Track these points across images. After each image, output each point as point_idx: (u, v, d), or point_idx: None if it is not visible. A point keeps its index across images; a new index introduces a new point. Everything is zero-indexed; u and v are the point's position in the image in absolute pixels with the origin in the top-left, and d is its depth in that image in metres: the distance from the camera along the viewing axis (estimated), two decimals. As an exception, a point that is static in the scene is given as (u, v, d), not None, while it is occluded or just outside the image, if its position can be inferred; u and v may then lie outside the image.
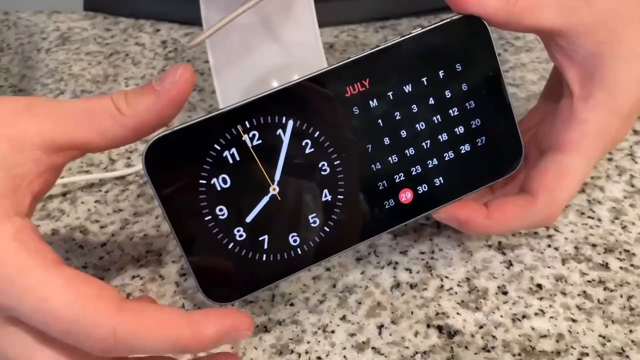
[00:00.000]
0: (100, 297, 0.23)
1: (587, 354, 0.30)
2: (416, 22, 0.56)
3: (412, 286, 0.34)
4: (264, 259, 0.28)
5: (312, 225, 0.29)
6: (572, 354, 0.30)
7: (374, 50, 0.28)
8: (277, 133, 0.28)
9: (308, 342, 0.31)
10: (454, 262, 0.35)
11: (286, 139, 0.28)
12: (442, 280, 0.34)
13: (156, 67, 0.54)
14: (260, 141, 0.27)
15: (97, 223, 0.39)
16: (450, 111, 0.30)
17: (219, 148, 0.27)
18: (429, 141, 0.30)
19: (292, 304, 0.33)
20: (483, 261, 0.35)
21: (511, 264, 0.34)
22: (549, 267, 0.34)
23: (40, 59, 0.57)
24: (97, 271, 0.36)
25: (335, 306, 0.33)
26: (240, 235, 0.28)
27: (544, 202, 0.30)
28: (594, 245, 0.35)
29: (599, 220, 0.37)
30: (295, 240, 0.29)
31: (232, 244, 0.28)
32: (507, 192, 0.33)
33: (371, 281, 0.34)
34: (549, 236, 0.36)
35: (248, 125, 0.27)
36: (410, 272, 0.34)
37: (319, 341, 0.31)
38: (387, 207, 0.30)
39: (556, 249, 0.35)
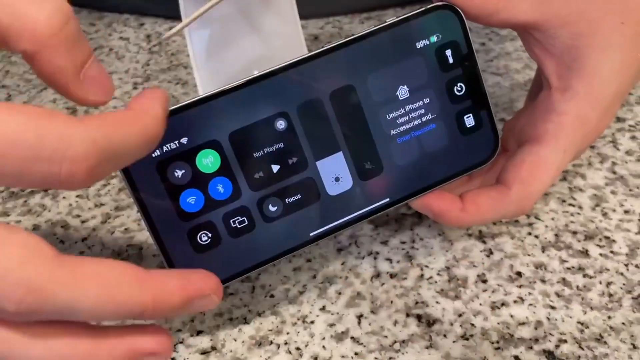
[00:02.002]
0: None
1: (565, 341, 0.30)
2: (402, 13, 0.56)
3: (392, 276, 0.34)
4: (241, 247, 0.28)
5: (283, 214, 0.29)
6: (550, 341, 0.30)
7: (346, 39, 0.28)
8: (252, 121, 0.27)
9: (287, 333, 0.31)
10: (434, 252, 0.35)
11: (261, 127, 0.28)
12: (422, 269, 0.34)
13: (140, 61, 0.54)
14: (234, 130, 0.27)
15: (79, 218, 0.39)
16: (424, 100, 0.30)
17: (191, 138, 0.27)
18: (402, 129, 0.30)
19: (272, 296, 0.33)
20: (463, 250, 0.35)
21: (491, 253, 0.34)
22: (529, 255, 0.34)
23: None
24: (78, 266, 0.36)
25: (315, 297, 0.33)
26: (215, 225, 0.28)
27: (518, 193, 0.30)
28: (574, 233, 0.35)
29: (580, 207, 0.37)
30: (269, 230, 0.29)
31: (207, 233, 0.28)
32: (484, 183, 0.33)
33: (351, 272, 0.34)
34: (530, 224, 0.36)
35: (222, 114, 0.27)
36: (391, 262, 0.34)
37: (299, 332, 0.31)
38: (359, 195, 0.30)
39: (536, 236, 0.35)
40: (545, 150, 0.30)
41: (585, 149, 0.33)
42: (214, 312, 0.32)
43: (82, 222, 0.39)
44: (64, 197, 0.41)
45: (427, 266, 0.34)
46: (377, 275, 0.34)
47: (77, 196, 0.41)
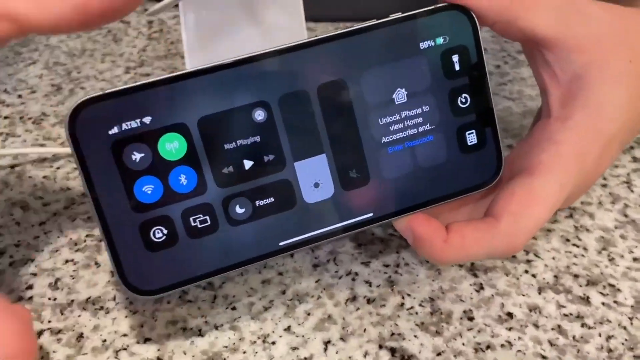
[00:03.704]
0: None
1: (554, 396, 0.26)
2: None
3: (369, 301, 0.30)
4: (199, 249, 0.25)
5: (251, 218, 0.26)
6: (537, 395, 0.26)
7: (343, 31, 0.25)
8: (227, 108, 0.24)
9: (244, 352, 0.28)
10: (419, 279, 0.31)
11: (237, 116, 0.25)
12: (403, 297, 0.31)
13: (137, 46, 0.51)
14: (205, 115, 0.24)
15: (41, 200, 0.36)
16: (423, 108, 0.26)
17: (156, 118, 0.24)
18: (395, 137, 0.27)
19: (233, 308, 0.30)
20: (451, 281, 0.31)
21: (482, 288, 0.31)
22: (523, 295, 0.31)
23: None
24: (29, 251, 0.33)
25: (282, 315, 0.30)
26: (172, 221, 0.25)
27: (507, 227, 0.27)
28: (575, 276, 0.32)
29: (585, 249, 0.33)
30: (233, 233, 0.25)
31: (163, 230, 0.25)
32: (472, 215, 0.30)
33: (325, 291, 0.31)
34: (528, 261, 0.32)
35: (194, 97, 0.24)
36: (370, 286, 0.31)
37: (257, 352, 0.28)
38: (340, 205, 0.26)
39: (533, 275, 0.32)
40: (538, 181, 0.27)
41: (583, 191, 0.30)
42: (166, 320, 0.29)
43: (44, 204, 0.36)
44: (29, 177, 0.38)
45: (409, 295, 0.31)
46: (353, 298, 0.30)
47: (44, 177, 0.38)
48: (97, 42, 0.52)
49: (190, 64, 0.39)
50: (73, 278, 0.31)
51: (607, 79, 0.27)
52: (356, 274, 0.32)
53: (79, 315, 0.29)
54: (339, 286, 0.31)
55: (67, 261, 0.32)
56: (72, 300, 0.30)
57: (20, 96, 0.45)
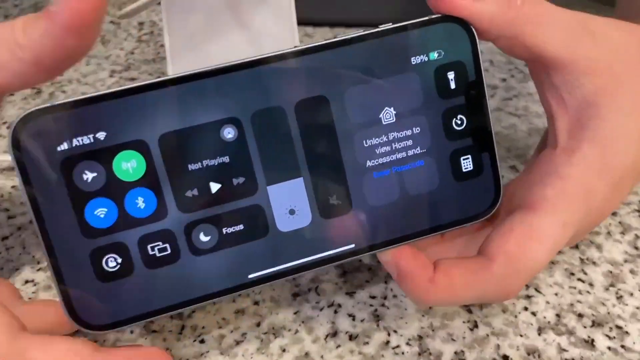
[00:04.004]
0: None
1: None
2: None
3: (351, 337, 0.28)
4: (157, 280, 0.23)
5: (217, 247, 0.23)
6: None
7: (326, 42, 0.23)
8: (193, 124, 0.22)
9: (209, 392, 0.25)
10: (407, 314, 0.29)
11: (204, 133, 0.22)
12: (389, 334, 0.28)
13: (125, 49, 0.49)
14: (168, 132, 0.22)
15: (6, 212, 0.34)
16: (413, 130, 0.24)
17: (111, 134, 0.21)
18: (381, 161, 0.24)
19: (202, 341, 0.27)
20: (443, 317, 0.29)
21: (476, 326, 0.28)
22: (521, 336, 0.28)
23: (4, 26, 0.52)
24: (-14, 269, 0.30)
25: (254, 350, 0.27)
26: (127, 249, 0.22)
27: (502, 270, 0.24)
28: (580, 315, 0.29)
29: (591, 285, 0.30)
30: (196, 264, 0.23)
31: (116, 258, 0.22)
32: (466, 249, 0.27)
33: (304, 325, 0.28)
34: (528, 297, 0.30)
35: (156, 111, 0.22)
36: (354, 320, 0.28)
37: (223, 392, 0.25)
38: (319, 234, 0.24)
39: (534, 314, 0.29)
40: (540, 219, 0.24)
41: (590, 230, 0.27)
42: (127, 351, 0.26)
43: (9, 217, 0.33)
44: (-4, 186, 0.35)
45: (395, 331, 0.28)
46: (334, 334, 0.28)
47: (13, 187, 0.35)
48: (84, 43, 0.50)
49: (173, 70, 0.37)
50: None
51: (620, 109, 0.24)
52: (339, 305, 0.29)
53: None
54: (319, 319, 0.28)
55: (26, 281, 0.30)
56: (28, 326, 0.28)
57: (-3, 98, 0.43)
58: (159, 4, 0.35)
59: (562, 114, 0.25)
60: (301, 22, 0.52)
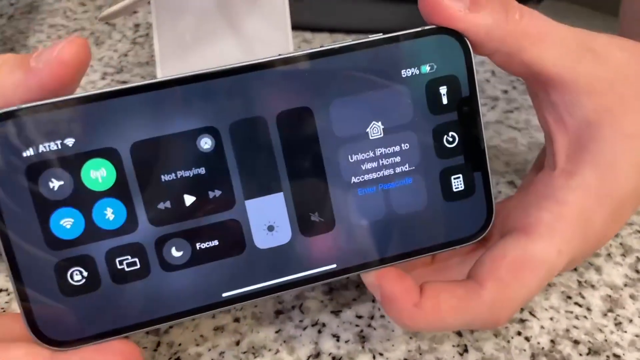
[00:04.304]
0: None
1: None
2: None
3: (334, 359, 0.26)
4: (125, 296, 0.21)
5: (189, 263, 0.22)
6: None
7: (312, 50, 0.21)
8: (167, 133, 0.21)
9: (181, 414, 0.24)
10: (394, 336, 0.27)
11: (178, 142, 0.21)
12: (374, 357, 0.26)
13: (118, 51, 0.48)
14: (140, 140, 0.21)
15: (-16, 216, 0.33)
16: (402, 146, 0.23)
17: (80, 140, 0.20)
18: (366, 178, 0.23)
19: (178, 359, 0.26)
20: (432, 340, 0.27)
21: (466, 350, 0.27)
22: (513, 363, 0.27)
23: (-1, 24, 0.51)
24: (-42, 276, 0.29)
25: (231, 370, 0.26)
26: (94, 262, 0.21)
27: (492, 295, 0.23)
28: (575, 342, 0.28)
29: (588, 309, 0.29)
30: (167, 280, 0.22)
31: (82, 272, 0.21)
32: (457, 271, 0.26)
33: (286, 344, 0.27)
34: (521, 321, 0.28)
35: (129, 117, 0.20)
36: (338, 340, 0.27)
37: (196, 415, 0.24)
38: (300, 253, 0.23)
39: (527, 339, 0.28)
40: (534, 245, 0.23)
41: (587, 256, 0.26)
42: (98, 368, 0.25)
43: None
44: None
45: (381, 354, 0.27)
46: (317, 355, 0.26)
47: None
48: (78, 43, 0.49)
49: (162, 74, 0.35)
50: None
51: (621, 130, 0.23)
52: (323, 324, 0.28)
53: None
54: (302, 339, 0.27)
55: (1, 290, 0.29)
56: None
57: (-15, 98, 0.42)
58: (149, 3, 0.34)
59: (561, 134, 0.24)
60: (300, 27, 0.51)
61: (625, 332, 0.28)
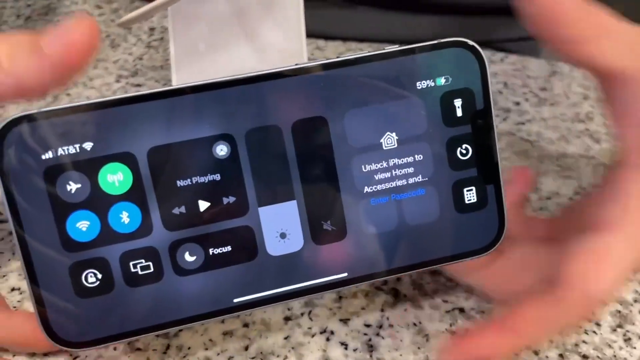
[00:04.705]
0: None
1: None
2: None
3: (342, 367, 0.26)
4: (138, 299, 0.22)
5: (202, 268, 0.22)
6: None
7: (328, 61, 0.22)
8: (184, 139, 0.21)
9: (189, 418, 0.24)
10: (403, 346, 0.27)
11: (194, 149, 0.21)
12: (382, 366, 0.27)
13: (133, 54, 0.49)
14: (157, 146, 0.21)
15: (-1, 216, 0.33)
16: (415, 157, 0.23)
17: (98, 144, 0.20)
18: (379, 188, 0.23)
19: (186, 362, 0.26)
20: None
21: (474, 362, 0.27)
22: (521, 376, 0.27)
23: (16, 25, 0.52)
24: (-28, 274, 0.29)
25: (240, 375, 0.26)
26: (108, 265, 0.21)
27: (577, 293, 0.23)
28: (584, 357, 0.28)
29: (597, 325, 0.29)
30: (179, 284, 0.22)
31: (96, 274, 0.21)
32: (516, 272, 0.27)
33: (294, 350, 0.27)
34: (530, 334, 0.28)
35: (146, 123, 0.21)
36: (346, 349, 0.27)
37: (204, 419, 0.24)
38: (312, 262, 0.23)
39: (536, 353, 0.28)
40: (608, 239, 0.24)
41: None
42: (108, 369, 0.26)
43: (0, 222, 0.33)
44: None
45: (389, 363, 0.27)
46: (324, 362, 0.27)
47: (8, 190, 0.35)
48: (93, 46, 0.49)
49: (177, 79, 0.36)
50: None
51: None
52: (332, 332, 0.28)
53: (13, 355, 0.26)
54: (310, 346, 0.27)
55: (13, 289, 0.29)
56: (9, 336, 0.27)
57: (1, 98, 0.42)
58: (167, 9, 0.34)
59: (628, 129, 0.24)
60: (313, 35, 0.51)
61: (635, 348, 0.28)
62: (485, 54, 0.23)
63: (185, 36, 0.35)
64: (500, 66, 0.50)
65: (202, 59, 0.36)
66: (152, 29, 0.52)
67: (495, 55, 0.51)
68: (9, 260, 0.31)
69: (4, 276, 0.30)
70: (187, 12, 0.34)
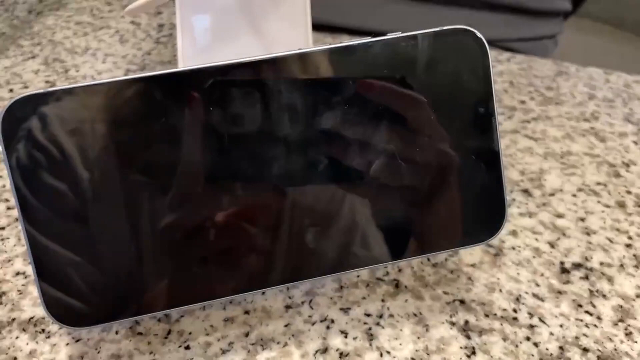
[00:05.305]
0: None
1: None
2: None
3: (342, 355, 0.27)
4: (139, 278, 0.22)
5: (208, 251, 0.22)
6: None
7: (331, 46, 0.22)
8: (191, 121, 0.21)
9: (189, 401, 0.24)
10: (402, 335, 0.27)
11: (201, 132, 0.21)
12: (381, 355, 0.27)
13: (142, 49, 0.49)
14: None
15: (6, 203, 0.33)
16: (416, 144, 0.23)
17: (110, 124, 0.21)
18: (379, 177, 0.23)
19: (187, 347, 0.26)
20: (440, 341, 0.27)
21: (474, 352, 0.27)
22: (520, 367, 0.27)
23: (27, 20, 0.53)
24: (-22, 258, 0.30)
25: (240, 361, 0.26)
26: (113, 243, 0.21)
27: None
28: (585, 350, 0.27)
29: (599, 318, 0.29)
30: (185, 267, 0.22)
31: (100, 251, 0.21)
32: None
33: (294, 338, 0.27)
34: (531, 326, 0.28)
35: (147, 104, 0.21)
36: (346, 337, 0.27)
37: (203, 402, 0.24)
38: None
39: (535, 344, 0.28)
40: None
41: None
42: (110, 352, 0.26)
43: (8, 208, 0.33)
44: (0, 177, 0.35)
45: (389, 352, 0.27)
46: (325, 350, 0.27)
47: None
48: (103, 41, 0.50)
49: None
50: (20, 293, 0.28)
51: None
52: (332, 321, 0.28)
53: (17, 337, 0.26)
54: (310, 334, 0.27)
55: (17, 273, 0.29)
56: (13, 319, 0.27)
57: (11, 90, 0.43)
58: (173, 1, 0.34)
59: None
60: (319, 28, 0.51)
61: (636, 342, 0.28)
62: (487, 45, 0.23)
63: (192, 30, 0.35)
64: (506, 65, 0.50)
65: (209, 52, 0.36)
66: (161, 25, 0.53)
67: (502, 55, 0.51)
68: (14, 245, 0.31)
69: (9, 260, 0.30)
70: (195, 6, 0.35)
